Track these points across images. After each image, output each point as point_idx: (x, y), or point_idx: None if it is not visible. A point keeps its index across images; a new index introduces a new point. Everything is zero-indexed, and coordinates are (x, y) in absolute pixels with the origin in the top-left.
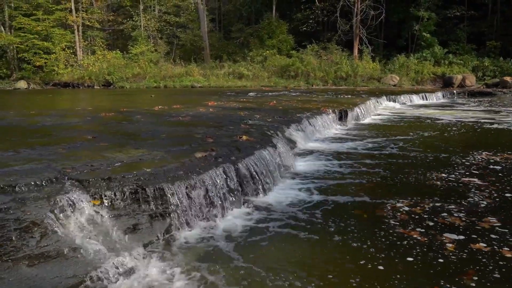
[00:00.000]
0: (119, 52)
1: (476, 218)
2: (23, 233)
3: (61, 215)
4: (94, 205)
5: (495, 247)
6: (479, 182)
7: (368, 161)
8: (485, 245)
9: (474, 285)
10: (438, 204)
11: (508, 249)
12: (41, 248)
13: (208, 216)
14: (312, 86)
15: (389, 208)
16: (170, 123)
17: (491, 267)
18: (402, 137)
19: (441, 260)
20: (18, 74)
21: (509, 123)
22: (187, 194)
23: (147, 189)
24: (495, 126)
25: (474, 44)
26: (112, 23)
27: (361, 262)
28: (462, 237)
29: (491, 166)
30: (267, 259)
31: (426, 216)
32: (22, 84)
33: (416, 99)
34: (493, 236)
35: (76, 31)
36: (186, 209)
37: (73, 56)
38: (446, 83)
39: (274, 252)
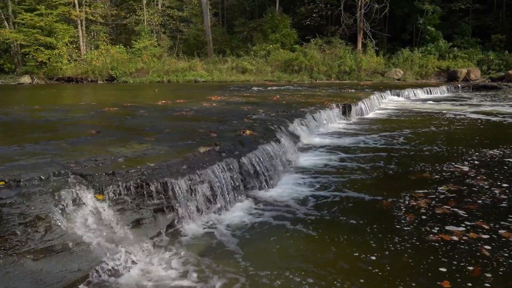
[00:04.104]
0: (122, 46)
1: (482, 214)
2: (28, 227)
3: (65, 209)
4: (98, 199)
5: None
6: (485, 176)
7: (372, 155)
8: (488, 236)
9: (482, 281)
10: (443, 198)
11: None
12: (46, 242)
13: (211, 210)
14: (316, 80)
15: (394, 202)
16: (174, 118)
17: (497, 262)
18: (406, 132)
19: (444, 256)
20: (22, 69)
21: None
22: (191, 189)
23: (151, 183)
24: (498, 120)
25: (479, 37)
26: (115, 18)
27: (366, 256)
28: (468, 232)
29: (501, 160)
30: (270, 253)
31: (430, 211)
32: (26, 79)
33: (421, 93)
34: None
35: (79, 26)
36: (190, 203)
37: (76, 51)
38: (450, 77)
39: (276, 246)
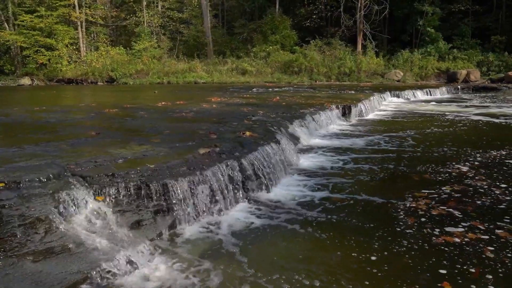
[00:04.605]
0: (122, 48)
1: (481, 216)
2: (28, 229)
3: (65, 211)
4: (98, 201)
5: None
6: (485, 177)
7: (371, 157)
8: (490, 244)
9: (482, 282)
10: (444, 200)
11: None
12: (46, 244)
13: (211, 212)
14: (315, 82)
15: (395, 203)
16: (174, 119)
17: (497, 263)
18: (406, 133)
19: (444, 257)
20: (22, 71)
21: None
22: (191, 190)
23: (150, 185)
24: (496, 121)
25: (478, 39)
26: (115, 19)
27: (366, 258)
28: (468, 233)
29: (501, 161)
30: (270, 255)
31: (431, 212)
32: (26, 81)
33: (420, 95)
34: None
35: (79, 27)
36: (190, 205)
37: (76, 52)
38: (450, 78)
39: (277, 248)
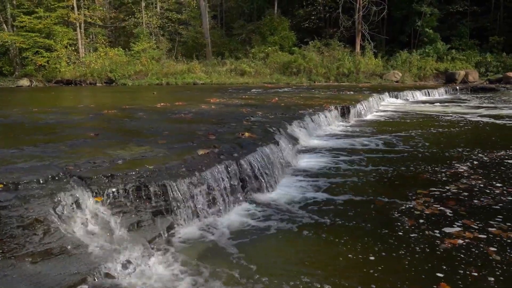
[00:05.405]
0: (121, 49)
1: (481, 218)
2: (26, 230)
3: (64, 212)
4: (96, 202)
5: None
6: (483, 178)
7: (370, 157)
8: (493, 248)
9: (481, 282)
10: (442, 200)
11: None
12: (44, 245)
13: (210, 213)
14: (314, 82)
15: (393, 205)
16: (172, 120)
17: (497, 264)
18: (404, 134)
19: (441, 256)
20: (21, 72)
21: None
22: (190, 191)
23: (149, 186)
24: (497, 121)
25: (477, 39)
26: (114, 20)
27: (365, 259)
28: (465, 233)
29: (497, 162)
30: (269, 256)
31: (429, 212)
32: (24, 82)
33: (419, 95)
34: (503, 239)
35: (78, 29)
36: (189, 206)
37: (75, 53)
38: (448, 79)
39: (276, 249)
